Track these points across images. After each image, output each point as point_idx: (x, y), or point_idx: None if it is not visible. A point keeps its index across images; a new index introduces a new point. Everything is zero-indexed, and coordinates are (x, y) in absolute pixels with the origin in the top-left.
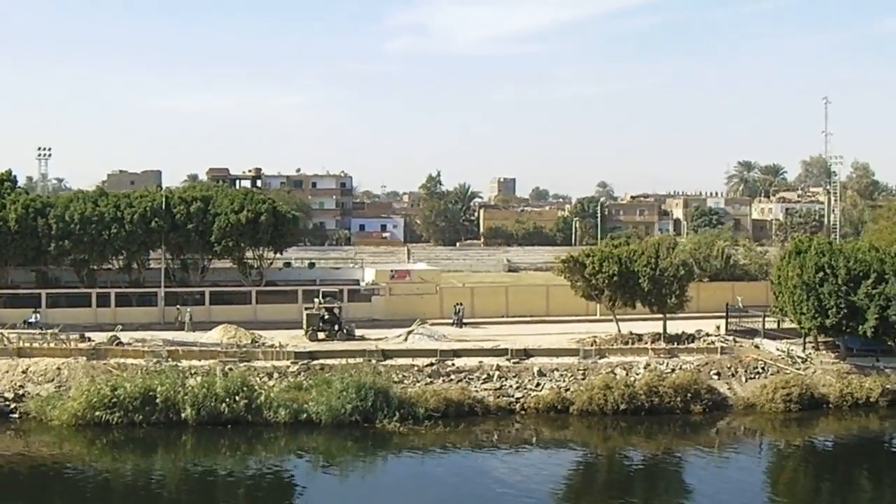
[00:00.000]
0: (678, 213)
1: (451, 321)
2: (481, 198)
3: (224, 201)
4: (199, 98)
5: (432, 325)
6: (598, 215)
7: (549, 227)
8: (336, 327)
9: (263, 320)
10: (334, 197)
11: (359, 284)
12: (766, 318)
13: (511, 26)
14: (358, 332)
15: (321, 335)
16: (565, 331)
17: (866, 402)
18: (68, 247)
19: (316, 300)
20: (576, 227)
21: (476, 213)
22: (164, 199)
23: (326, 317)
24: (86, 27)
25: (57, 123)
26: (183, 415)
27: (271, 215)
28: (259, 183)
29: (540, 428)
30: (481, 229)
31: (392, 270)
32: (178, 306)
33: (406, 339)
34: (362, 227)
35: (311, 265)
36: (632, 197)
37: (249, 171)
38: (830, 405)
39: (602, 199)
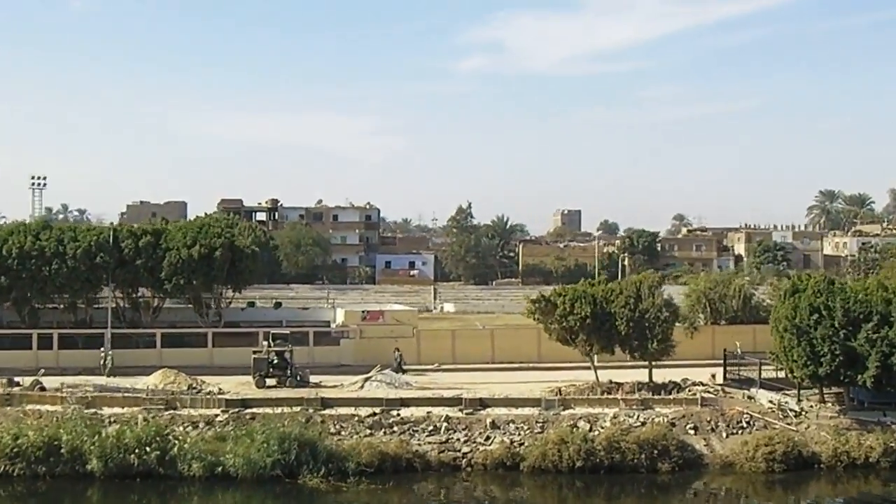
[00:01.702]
0: (740, 248)
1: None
2: (525, 232)
3: (177, 235)
4: (243, 122)
5: (407, 370)
6: (640, 249)
7: (592, 264)
8: (286, 373)
9: (221, 364)
10: (357, 231)
11: (329, 326)
12: (769, 366)
13: (594, 43)
14: (318, 378)
15: (270, 381)
16: (550, 378)
17: (865, 463)
18: (5, 283)
19: (264, 343)
20: (623, 264)
21: (517, 249)
22: (111, 233)
23: (275, 361)
24: (118, 39)
25: (88, 149)
26: (89, 466)
27: (227, 250)
28: (276, 216)
29: (487, 486)
30: (519, 265)
31: (364, 311)
32: (101, 348)
33: (362, 387)
34: (388, 264)
35: (277, 305)
36: (688, 231)
37: (266, 202)
38: (822, 465)
39: (657, 232)
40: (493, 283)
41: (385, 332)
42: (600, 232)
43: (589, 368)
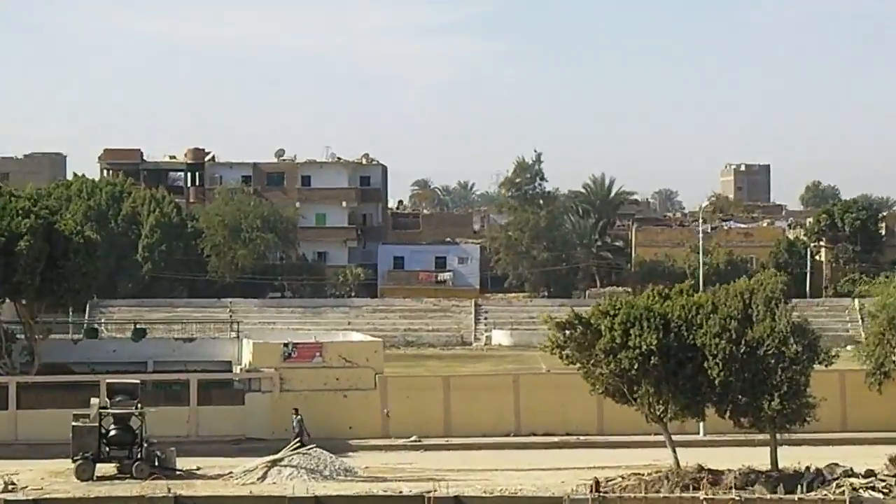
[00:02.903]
0: None
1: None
2: (635, 201)
3: None
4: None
5: (378, 445)
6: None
7: (765, 257)
8: (133, 453)
9: (29, 438)
10: (346, 205)
11: (230, 370)
12: None
13: None
14: (197, 462)
15: (104, 467)
16: (613, 461)
17: None
18: None
19: (93, 402)
20: (816, 258)
21: (628, 235)
22: None
23: (113, 433)
24: None
25: None
26: None
27: (41, 240)
28: (202, 178)
29: None
30: (632, 262)
31: (288, 345)
32: None
33: (264, 477)
34: (399, 263)
35: (139, 333)
36: None
37: (186, 154)
38: None
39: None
40: (587, 293)
41: (324, 381)
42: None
43: (688, 444)
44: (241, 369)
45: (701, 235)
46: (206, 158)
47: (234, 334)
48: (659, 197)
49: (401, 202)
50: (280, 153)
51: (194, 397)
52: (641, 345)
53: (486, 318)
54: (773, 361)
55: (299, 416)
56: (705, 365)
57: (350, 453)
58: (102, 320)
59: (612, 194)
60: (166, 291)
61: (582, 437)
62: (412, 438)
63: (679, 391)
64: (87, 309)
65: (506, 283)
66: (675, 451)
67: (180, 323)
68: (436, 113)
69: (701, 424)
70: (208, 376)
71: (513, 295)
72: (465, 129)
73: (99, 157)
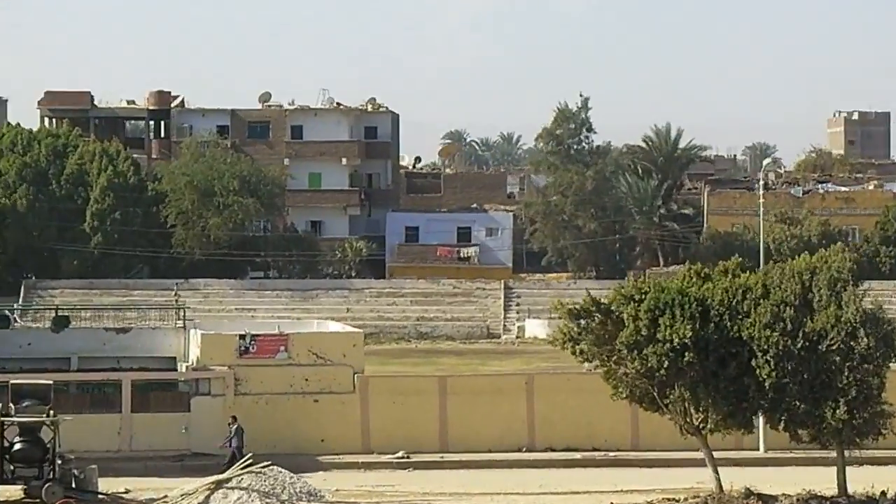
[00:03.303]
0: None
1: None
2: (708, 158)
3: None
4: None
5: (356, 462)
6: None
7: (870, 228)
8: (44, 472)
9: None
10: (346, 161)
11: (174, 369)
12: None
13: None
14: (126, 483)
15: (7, 490)
16: (647, 483)
17: None
18: None
19: None
20: None
21: (700, 200)
22: None
23: (18, 448)
24: None
25: None
26: None
27: None
28: (168, 128)
29: None
30: (703, 231)
31: (246, 336)
32: None
33: (206, 503)
34: (412, 235)
35: (60, 322)
36: None
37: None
38: None
39: None
40: (646, 273)
41: (290, 382)
42: None
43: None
44: (187, 367)
45: (761, 200)
46: (173, 104)
47: (179, 323)
48: (751, 153)
49: (418, 159)
50: (265, 97)
51: (127, 402)
52: (672, 337)
53: (518, 305)
54: (838, 359)
55: (236, 426)
56: (753, 363)
57: (320, 473)
58: (35, 305)
59: (680, 149)
60: (121, 270)
61: (612, 454)
62: (399, 454)
63: (720, 396)
64: (22, 291)
65: (543, 260)
66: (716, 471)
67: (135, 309)
68: (474, 50)
69: (760, 438)
70: (145, 376)
71: (553, 275)
72: (510, 70)
73: (39, 102)
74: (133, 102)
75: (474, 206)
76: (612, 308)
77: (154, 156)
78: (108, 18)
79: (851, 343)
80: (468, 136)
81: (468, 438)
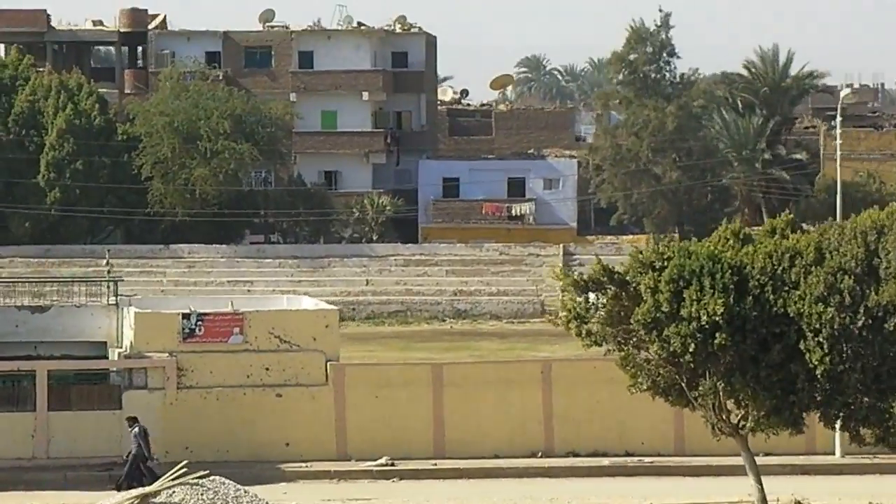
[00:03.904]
0: None
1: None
2: (827, 89)
3: None
4: None
5: (329, 471)
6: None
7: None
8: None
9: None
10: (368, 95)
11: (105, 355)
12: None
13: None
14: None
15: None
16: (684, 496)
17: None
18: None
19: None
20: None
21: (818, 139)
22: None
23: None
24: None
25: None
26: None
27: None
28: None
29: None
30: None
31: (192, 315)
32: None
33: None
34: (451, 188)
35: None
36: None
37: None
38: None
39: None
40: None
41: (247, 372)
42: None
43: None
44: (119, 353)
45: (838, 143)
46: (151, 26)
47: (111, 300)
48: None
49: (464, 92)
50: (267, 16)
51: (43, 398)
52: (700, 314)
53: (581, 275)
54: None
55: (137, 429)
56: (802, 346)
57: (281, 484)
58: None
59: (791, 77)
60: (85, 233)
61: (649, 460)
62: (382, 461)
63: (762, 387)
64: None
65: (613, 218)
66: (759, 480)
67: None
68: None
69: (836, 441)
70: (65, 365)
71: (627, 238)
72: None
73: None
74: (101, 24)
75: (531, 151)
76: (629, 278)
77: (127, 90)
78: None
79: None
80: (548, 62)
81: (469, 441)
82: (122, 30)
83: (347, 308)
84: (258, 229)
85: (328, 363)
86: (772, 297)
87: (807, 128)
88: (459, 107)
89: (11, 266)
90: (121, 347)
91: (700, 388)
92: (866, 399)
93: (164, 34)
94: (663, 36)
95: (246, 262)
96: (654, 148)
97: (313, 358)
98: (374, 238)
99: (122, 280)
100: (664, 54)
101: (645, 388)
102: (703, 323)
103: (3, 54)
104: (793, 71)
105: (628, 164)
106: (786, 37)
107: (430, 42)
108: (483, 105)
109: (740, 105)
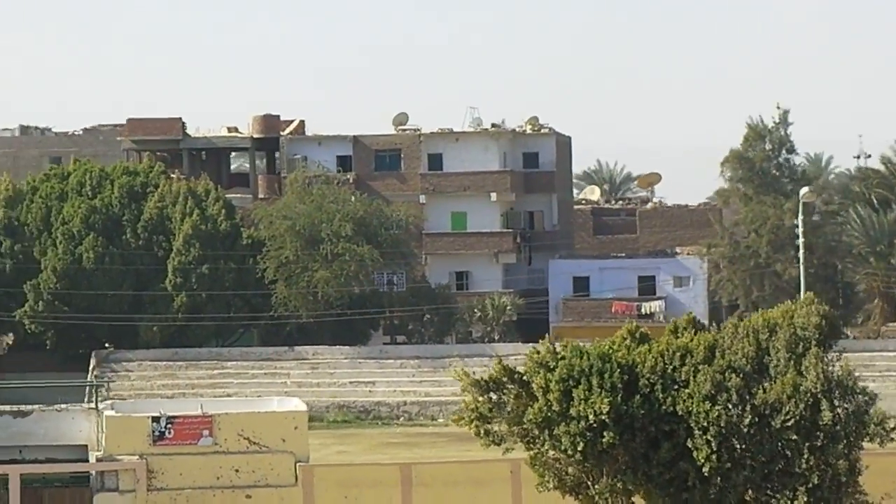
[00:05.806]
0: None
1: None
2: None
3: None
4: None
5: None
6: None
7: None
8: None
9: None
10: (497, 197)
11: (85, 458)
12: None
13: None
14: None
15: None
16: None
17: None
18: None
19: None
20: None
21: None
22: None
23: None
24: None
25: None
26: None
27: None
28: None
29: None
30: None
31: (161, 418)
32: None
33: None
34: (581, 286)
35: None
36: None
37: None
38: None
39: None
40: (880, 332)
41: (216, 474)
42: None
43: None
44: (95, 457)
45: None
46: (288, 131)
47: (90, 405)
48: None
49: (613, 191)
50: (401, 119)
51: (16, 501)
52: (587, 413)
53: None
54: (796, 437)
55: None
56: (690, 444)
57: None
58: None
59: None
60: (211, 336)
61: None
62: None
63: (654, 485)
64: (92, 364)
65: (734, 315)
66: None
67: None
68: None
69: None
70: (37, 469)
71: None
72: None
73: (120, 133)
74: (235, 130)
75: (668, 249)
76: (524, 375)
77: (261, 195)
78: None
79: (815, 417)
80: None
81: None
82: (254, 136)
83: None
84: (387, 330)
85: (297, 464)
86: (661, 395)
87: None
88: (604, 206)
89: (140, 370)
90: (97, 450)
91: (597, 486)
92: (755, 497)
93: (295, 139)
94: (782, 132)
95: (368, 363)
96: (774, 245)
97: (282, 459)
98: (496, 338)
99: (105, 384)
100: (783, 151)
101: (552, 486)
102: (591, 422)
103: (139, 162)
104: None
105: (747, 262)
106: None
107: (563, 142)
108: (628, 204)
109: (876, 200)
